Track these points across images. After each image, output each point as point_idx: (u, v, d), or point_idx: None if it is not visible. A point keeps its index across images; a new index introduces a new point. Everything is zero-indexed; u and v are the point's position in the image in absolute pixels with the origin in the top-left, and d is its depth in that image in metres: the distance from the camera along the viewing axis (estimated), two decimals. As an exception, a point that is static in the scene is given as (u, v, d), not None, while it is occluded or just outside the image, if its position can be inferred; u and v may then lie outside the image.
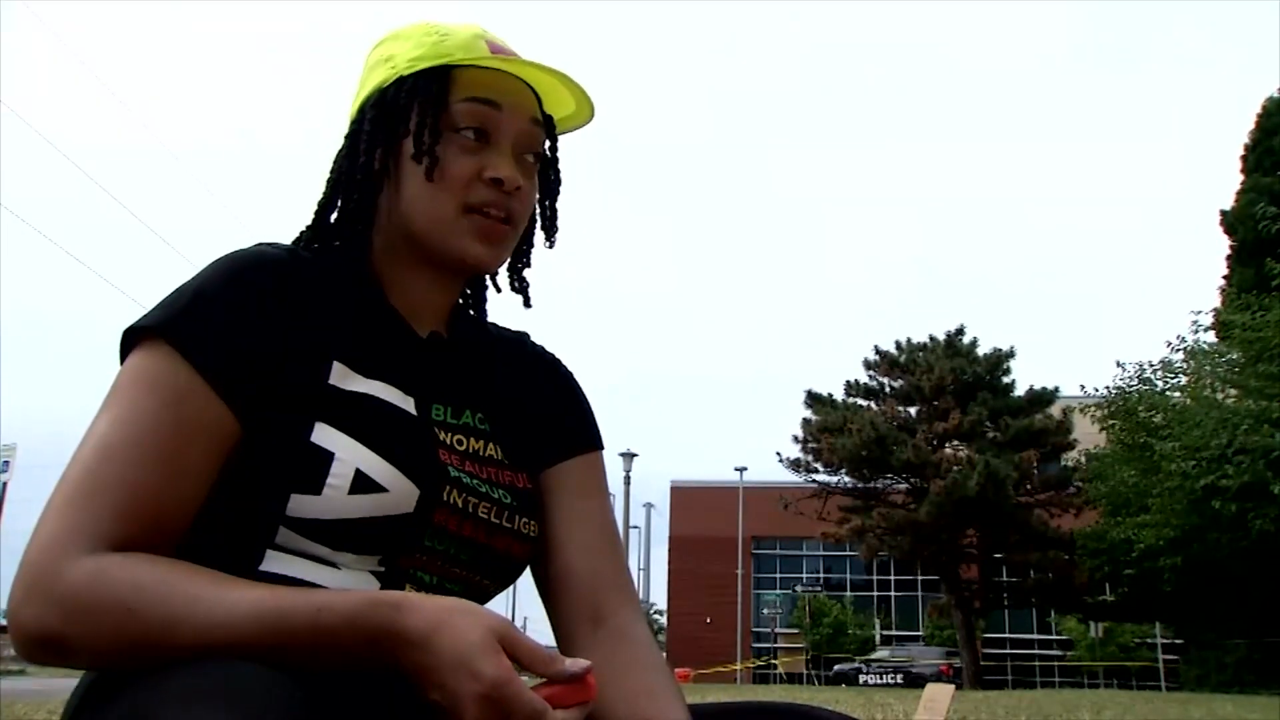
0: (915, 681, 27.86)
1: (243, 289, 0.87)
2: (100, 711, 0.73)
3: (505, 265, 1.07)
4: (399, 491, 0.87)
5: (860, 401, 31.19)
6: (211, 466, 0.83)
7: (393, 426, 0.90)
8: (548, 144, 1.04)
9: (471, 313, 1.11)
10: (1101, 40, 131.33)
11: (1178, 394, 21.37)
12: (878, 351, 31.40)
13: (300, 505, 0.84)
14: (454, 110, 0.95)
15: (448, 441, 0.95)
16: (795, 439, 30.46)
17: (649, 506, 60.35)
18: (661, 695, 0.90)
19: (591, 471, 1.07)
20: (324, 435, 0.86)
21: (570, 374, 1.14)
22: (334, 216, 1.01)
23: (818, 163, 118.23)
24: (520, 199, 0.97)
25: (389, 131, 0.96)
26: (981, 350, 30.60)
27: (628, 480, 31.95)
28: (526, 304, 1.09)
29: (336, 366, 0.91)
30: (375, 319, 0.97)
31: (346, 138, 1.00)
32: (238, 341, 0.85)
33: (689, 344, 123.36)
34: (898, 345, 31.27)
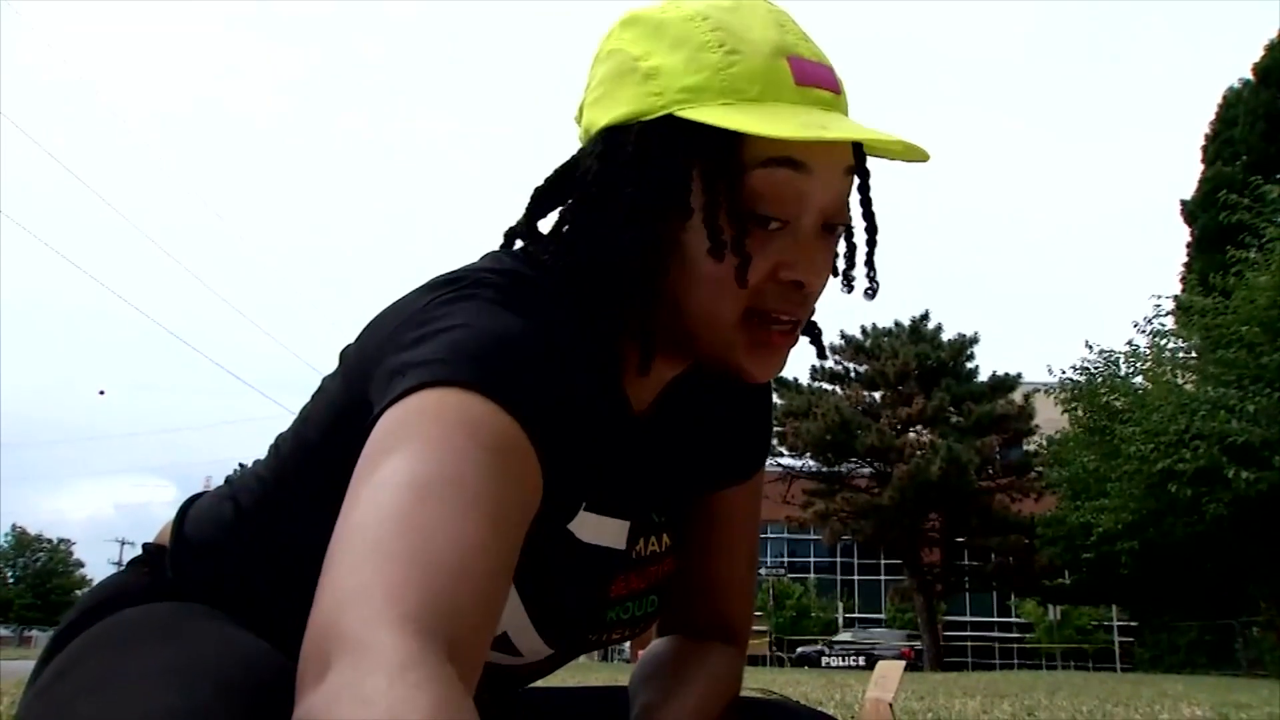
0: (877, 664, 28.18)
1: (560, 367, 0.69)
2: (65, 677, 0.71)
3: None
4: (531, 655, 0.82)
5: (825, 386, 31.39)
6: (521, 540, 0.60)
7: (576, 590, 0.82)
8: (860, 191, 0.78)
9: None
10: (1066, 28, 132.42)
11: (1139, 379, 21.69)
12: (843, 336, 31.59)
13: None
14: (748, 180, 0.71)
15: (634, 556, 0.87)
16: (761, 423, 30.57)
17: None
18: (673, 687, 0.86)
19: (754, 487, 0.99)
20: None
21: (769, 391, 0.99)
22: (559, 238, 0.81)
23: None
24: (815, 297, 0.76)
25: (658, 189, 0.72)
26: (945, 336, 30.89)
27: (593, 463, 31.87)
28: (820, 355, 0.90)
29: (583, 512, 0.80)
30: (605, 409, 0.79)
31: (598, 177, 0.76)
32: (555, 412, 0.66)
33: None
34: (863, 330, 31.50)
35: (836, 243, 0.78)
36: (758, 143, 0.70)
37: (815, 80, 0.73)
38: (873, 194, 0.79)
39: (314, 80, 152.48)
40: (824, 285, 0.77)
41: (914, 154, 0.77)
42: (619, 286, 0.76)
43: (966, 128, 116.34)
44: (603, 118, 0.77)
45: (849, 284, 0.83)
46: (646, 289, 0.76)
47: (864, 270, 0.83)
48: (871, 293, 0.84)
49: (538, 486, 0.62)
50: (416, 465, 0.56)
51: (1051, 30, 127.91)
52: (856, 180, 0.78)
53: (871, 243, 0.82)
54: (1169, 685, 10.94)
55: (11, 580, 56.72)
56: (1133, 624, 31.73)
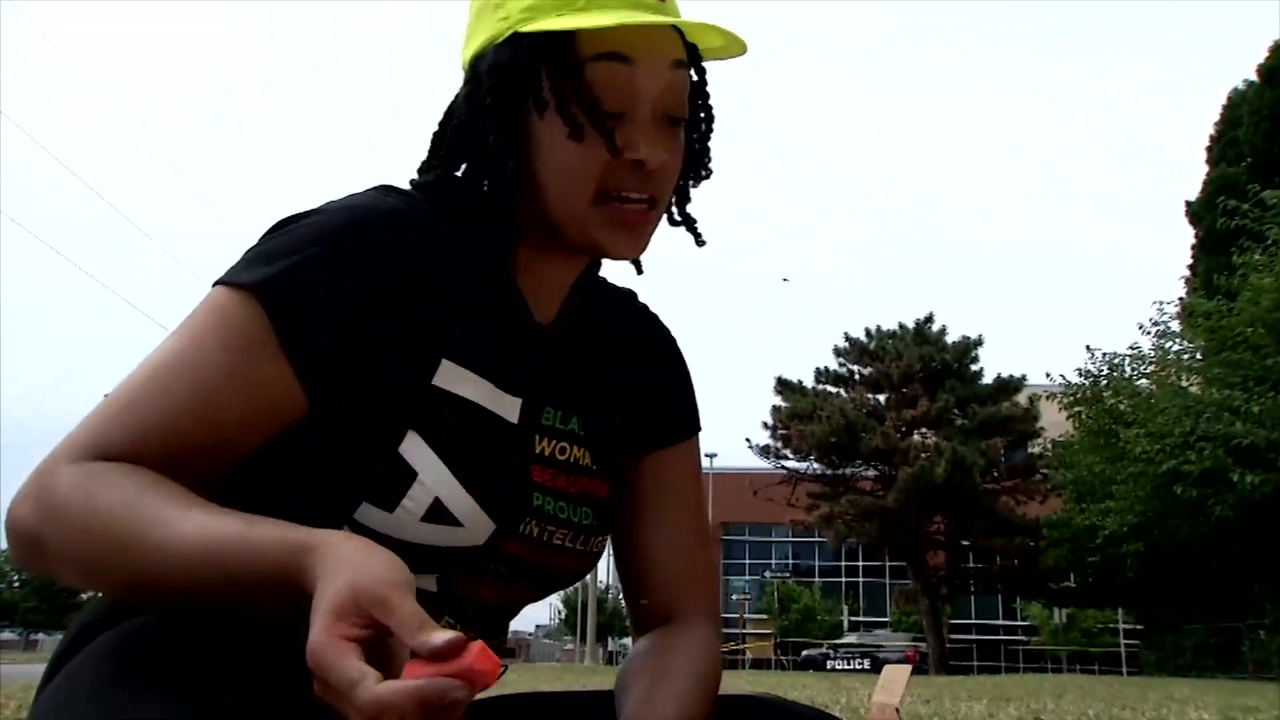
0: (882, 666, 28.09)
1: (360, 254, 0.80)
2: (68, 683, 0.75)
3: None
4: (473, 527, 0.83)
5: (830, 389, 31.37)
6: (256, 429, 0.78)
7: (488, 448, 0.85)
8: (694, 86, 0.89)
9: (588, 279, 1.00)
10: (1070, 31, 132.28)
11: (1144, 381, 21.64)
12: (848, 339, 31.58)
13: (368, 515, 0.80)
14: (585, 74, 0.81)
15: (548, 453, 0.90)
16: (765, 425, 30.62)
17: (619, 493, 60.22)
18: (655, 691, 0.87)
19: (688, 459, 1.03)
20: (413, 449, 0.80)
21: (675, 345, 1.07)
22: (449, 180, 0.90)
23: (787, 149, 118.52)
24: (665, 176, 0.86)
25: (512, 102, 0.84)
26: (950, 338, 30.85)
27: (598, 466, 31.84)
28: (699, 242, 0.97)
29: (445, 365, 0.84)
30: (498, 303, 0.88)
31: (465, 100, 0.87)
32: (337, 317, 0.78)
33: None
34: (867, 332, 31.46)
35: (680, 136, 0.87)
36: (587, 42, 0.82)
37: None
38: (708, 88, 0.91)
39: (317, 80, 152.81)
40: (672, 168, 0.86)
41: (732, 48, 0.90)
42: (491, 191, 0.87)
43: (971, 130, 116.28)
44: (469, 53, 0.89)
45: (695, 176, 0.94)
46: (513, 186, 0.86)
47: (701, 160, 0.93)
48: (703, 176, 0.95)
49: (274, 355, 0.77)
50: (168, 352, 0.77)
51: (1056, 32, 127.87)
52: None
53: (707, 131, 0.93)
54: (1176, 688, 10.91)
55: (17, 585, 56.80)
56: (1139, 627, 31.64)
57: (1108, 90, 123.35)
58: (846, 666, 30.37)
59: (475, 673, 0.57)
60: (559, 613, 62.94)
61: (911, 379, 29.54)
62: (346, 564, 0.63)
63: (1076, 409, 23.32)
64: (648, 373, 1.02)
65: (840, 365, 31.64)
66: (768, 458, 30.70)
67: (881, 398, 30.61)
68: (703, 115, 0.92)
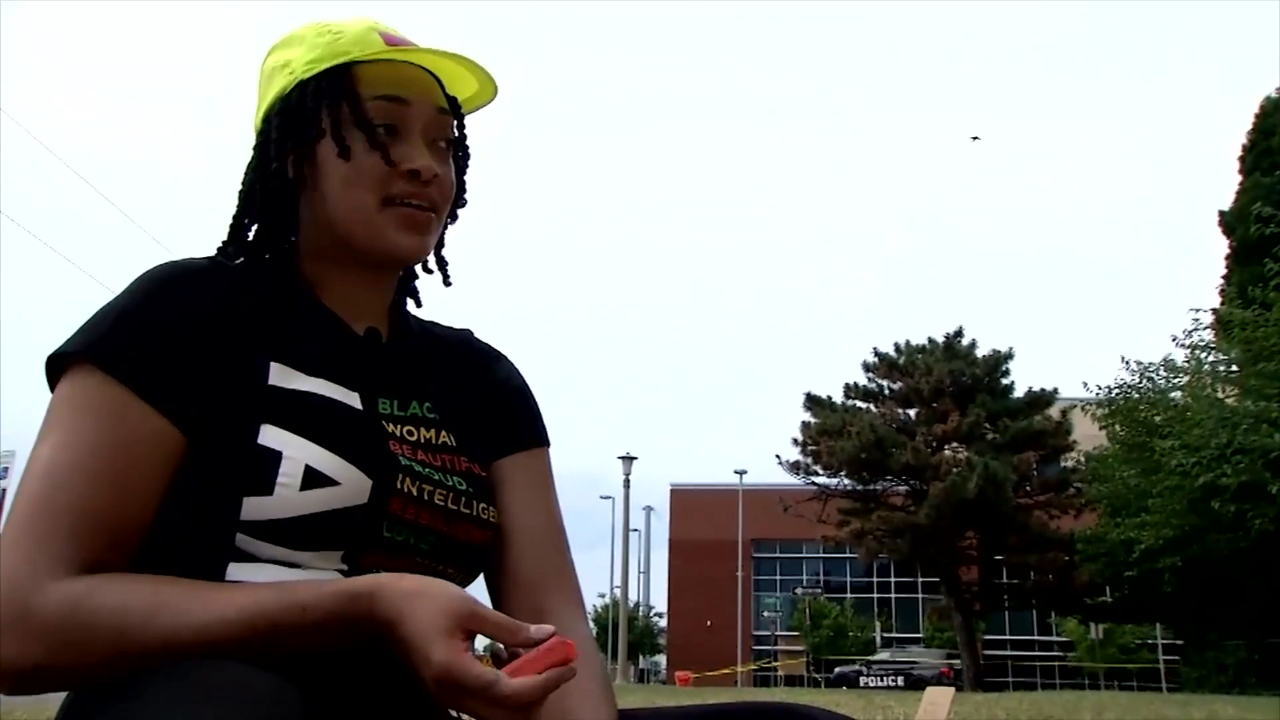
0: (916, 684, 27.80)
1: (167, 301, 0.88)
2: (100, 712, 0.73)
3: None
4: (351, 484, 0.88)
5: (859, 404, 31.21)
6: (160, 481, 0.84)
7: (338, 421, 0.91)
8: (455, 126, 1.03)
9: (411, 309, 1.10)
10: (1100, 39, 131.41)
11: (1178, 393, 21.35)
12: (876, 354, 31.42)
13: (254, 508, 0.84)
14: (362, 107, 0.95)
15: (397, 433, 0.96)
16: (795, 442, 30.48)
17: (649, 510, 60.42)
18: (593, 695, 0.91)
19: (538, 466, 1.08)
20: (270, 436, 0.86)
21: (515, 369, 1.14)
22: (253, 229, 1.01)
23: (814, 162, 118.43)
24: (439, 186, 0.98)
25: (298, 137, 0.96)
26: (980, 352, 30.63)
27: (627, 483, 31.96)
28: (446, 282, 1.09)
29: (275, 367, 0.91)
30: (310, 319, 0.97)
31: (255, 149, 0.99)
32: (167, 354, 0.86)
33: (688, 347, 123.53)
34: (896, 347, 31.29)
35: (451, 161, 1.01)
36: (366, 82, 0.95)
37: (402, 44, 0.98)
38: (466, 133, 1.04)
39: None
40: (446, 181, 0.98)
41: (482, 95, 1.04)
42: (279, 223, 0.98)
43: (999, 142, 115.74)
44: (261, 112, 1.00)
45: (455, 207, 1.05)
46: (288, 206, 0.98)
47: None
48: (461, 203, 1.05)
49: (131, 403, 0.83)
50: (53, 452, 0.81)
51: (1088, 42, 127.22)
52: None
53: (464, 164, 1.04)
54: (1219, 707, 10.67)
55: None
56: (1178, 643, 31.12)
57: (1139, 99, 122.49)
58: (880, 684, 30.06)
59: (570, 650, 0.74)
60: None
61: (942, 394, 29.32)
62: (421, 595, 0.75)
63: (1110, 420, 23.02)
64: (488, 386, 1.09)
65: (870, 381, 31.46)
66: (798, 474, 30.55)
67: (912, 413, 30.41)
68: (463, 154, 1.05)
